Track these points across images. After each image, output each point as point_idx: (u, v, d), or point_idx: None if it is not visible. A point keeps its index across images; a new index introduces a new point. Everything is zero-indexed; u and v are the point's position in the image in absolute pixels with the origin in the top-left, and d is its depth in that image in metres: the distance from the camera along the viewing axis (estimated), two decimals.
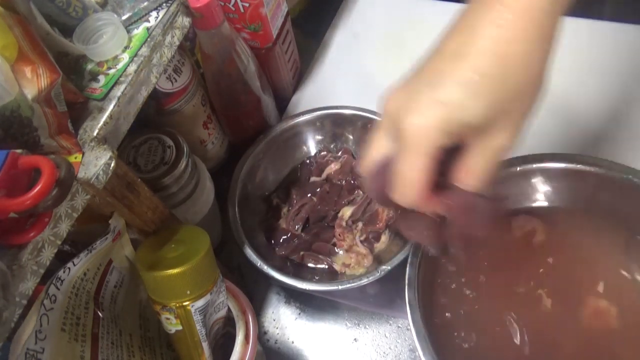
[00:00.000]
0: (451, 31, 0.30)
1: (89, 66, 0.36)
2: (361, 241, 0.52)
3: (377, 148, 0.32)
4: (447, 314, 0.42)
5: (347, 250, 0.52)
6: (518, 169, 0.44)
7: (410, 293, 0.39)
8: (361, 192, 0.55)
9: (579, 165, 0.43)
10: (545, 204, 0.45)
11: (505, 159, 0.30)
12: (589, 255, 0.42)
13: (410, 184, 0.29)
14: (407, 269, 0.40)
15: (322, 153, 0.59)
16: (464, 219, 0.32)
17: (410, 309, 0.38)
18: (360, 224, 0.53)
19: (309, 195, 0.55)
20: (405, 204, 0.31)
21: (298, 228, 0.54)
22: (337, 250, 0.52)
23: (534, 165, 0.44)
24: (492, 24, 0.27)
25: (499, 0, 0.27)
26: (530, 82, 0.28)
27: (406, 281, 0.40)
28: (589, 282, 0.41)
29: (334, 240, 0.53)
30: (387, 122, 0.31)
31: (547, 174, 0.44)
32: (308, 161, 0.59)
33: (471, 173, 0.30)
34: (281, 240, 0.53)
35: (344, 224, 0.53)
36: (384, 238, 0.52)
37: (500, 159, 0.30)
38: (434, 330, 0.39)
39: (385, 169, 0.32)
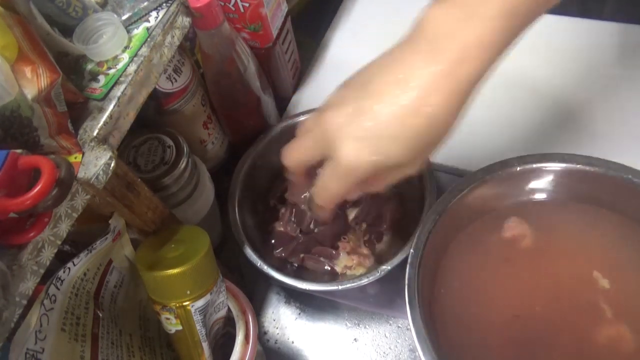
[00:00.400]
0: (388, 61, 0.32)
1: (89, 66, 0.36)
2: (364, 241, 0.52)
3: (305, 151, 0.35)
4: (447, 314, 0.42)
5: (349, 253, 0.52)
6: (518, 169, 0.44)
7: (410, 293, 0.39)
8: (365, 194, 0.55)
9: (577, 165, 0.43)
10: (541, 200, 0.45)
11: None
12: (582, 250, 0.42)
13: (333, 196, 0.35)
14: (407, 268, 0.40)
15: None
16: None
17: (410, 309, 0.38)
18: (364, 225, 0.53)
19: (302, 196, 0.55)
20: (323, 206, 0.36)
21: (295, 230, 0.54)
22: (338, 253, 0.52)
23: (534, 165, 0.44)
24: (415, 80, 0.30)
25: (421, 59, 0.30)
26: (447, 130, 0.31)
27: (406, 281, 0.40)
28: (585, 275, 0.41)
29: (337, 244, 0.53)
30: (320, 134, 0.33)
31: (545, 174, 0.44)
32: None
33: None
34: (279, 243, 0.53)
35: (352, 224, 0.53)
36: (386, 238, 0.52)
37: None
38: (434, 330, 0.39)
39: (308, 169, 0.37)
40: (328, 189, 0.34)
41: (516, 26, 0.29)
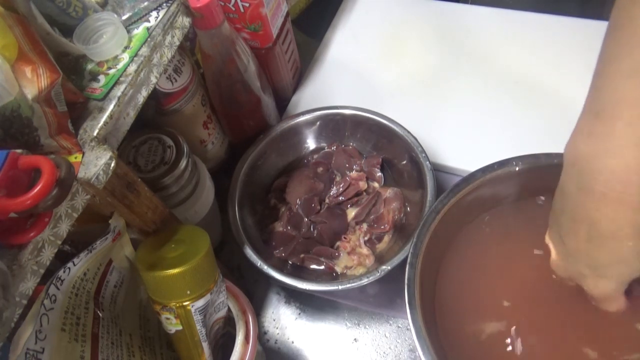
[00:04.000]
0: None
1: (89, 66, 0.36)
2: (364, 242, 0.52)
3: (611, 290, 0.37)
4: (447, 314, 0.42)
5: (349, 253, 0.52)
6: (517, 168, 0.44)
7: (410, 293, 0.39)
8: (366, 194, 0.55)
9: None
10: (541, 201, 0.45)
11: None
12: None
13: (616, 308, 0.38)
14: (407, 269, 0.40)
15: (317, 155, 0.59)
16: None
17: (410, 310, 0.38)
18: (365, 225, 0.53)
19: (298, 200, 0.55)
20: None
21: (294, 230, 0.54)
22: (339, 253, 0.52)
23: (534, 165, 0.44)
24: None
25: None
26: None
27: (406, 281, 0.40)
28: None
29: (337, 243, 0.53)
30: (566, 279, 0.39)
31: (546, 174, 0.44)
32: (305, 161, 0.59)
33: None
34: (279, 243, 0.53)
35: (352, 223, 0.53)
36: (386, 238, 0.53)
37: None
38: (433, 330, 0.39)
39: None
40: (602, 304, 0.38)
41: None
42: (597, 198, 0.31)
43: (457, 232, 0.45)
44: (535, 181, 0.44)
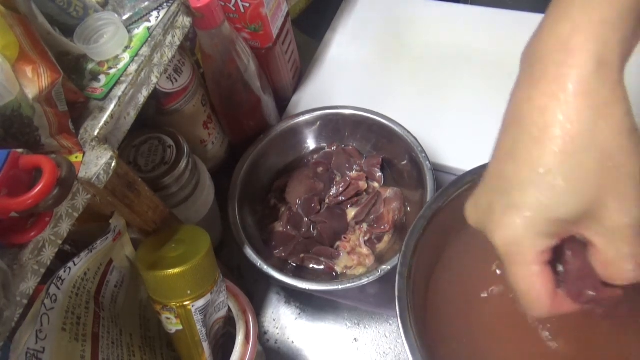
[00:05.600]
0: (503, 127, 0.29)
1: (90, 66, 0.36)
2: (364, 241, 0.52)
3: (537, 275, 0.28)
4: (441, 322, 0.41)
5: (349, 253, 0.52)
6: None
7: (402, 305, 0.37)
8: (366, 194, 0.55)
9: None
10: None
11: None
12: None
13: (529, 296, 0.27)
14: (397, 279, 0.39)
15: (317, 155, 0.59)
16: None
17: (403, 324, 0.37)
18: (365, 225, 0.54)
19: (298, 200, 0.55)
20: (542, 315, 0.28)
21: (294, 230, 0.54)
22: (339, 253, 0.52)
23: None
24: (542, 111, 0.26)
25: (540, 86, 0.26)
26: (615, 148, 0.25)
27: (396, 293, 0.38)
28: None
29: (337, 243, 0.53)
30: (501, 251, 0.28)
31: None
32: (306, 161, 0.59)
33: (610, 266, 0.27)
34: (279, 243, 0.53)
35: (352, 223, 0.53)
36: (386, 238, 0.53)
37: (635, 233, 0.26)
38: (428, 341, 0.37)
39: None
40: (520, 291, 0.28)
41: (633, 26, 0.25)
42: (535, 81, 0.26)
43: (450, 237, 0.43)
44: None
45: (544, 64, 0.26)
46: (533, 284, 0.27)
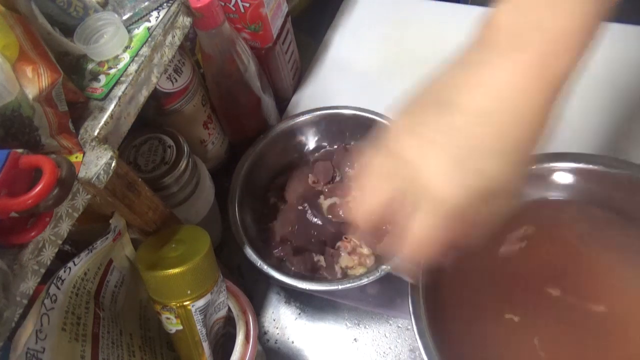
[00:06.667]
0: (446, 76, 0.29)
1: (90, 66, 0.36)
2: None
3: (379, 197, 0.29)
4: (453, 322, 0.41)
5: (350, 253, 0.52)
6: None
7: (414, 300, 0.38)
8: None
9: (589, 165, 0.43)
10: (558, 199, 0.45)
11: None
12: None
13: (428, 242, 0.28)
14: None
15: (318, 153, 0.59)
16: None
17: (415, 319, 0.38)
18: None
19: (297, 199, 0.55)
20: (417, 258, 0.29)
21: (294, 229, 0.54)
22: (339, 253, 0.52)
23: (544, 165, 0.44)
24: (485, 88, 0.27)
25: (489, 63, 0.27)
26: (539, 134, 0.27)
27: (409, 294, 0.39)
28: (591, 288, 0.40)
29: (337, 243, 0.53)
30: (395, 170, 0.28)
31: (557, 173, 0.44)
32: (305, 159, 0.59)
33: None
34: (279, 242, 0.53)
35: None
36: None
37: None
38: (439, 337, 0.38)
39: (383, 213, 0.30)
40: (420, 239, 0.28)
41: (602, 10, 0.26)
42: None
43: None
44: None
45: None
46: (439, 232, 0.28)
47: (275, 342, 0.53)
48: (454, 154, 0.26)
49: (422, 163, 0.27)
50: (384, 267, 0.45)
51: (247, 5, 0.52)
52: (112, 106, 0.34)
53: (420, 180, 0.27)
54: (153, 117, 0.49)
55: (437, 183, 0.26)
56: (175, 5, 0.40)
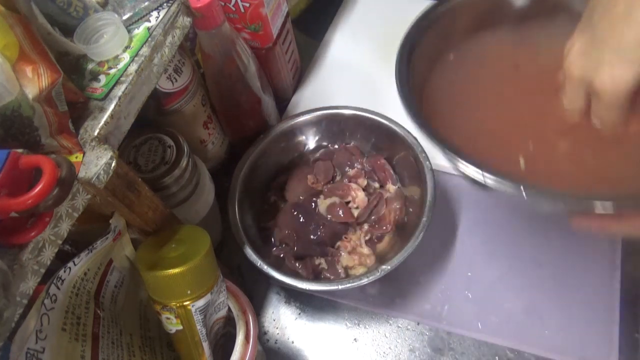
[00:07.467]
0: None
1: (90, 66, 0.36)
2: (365, 241, 0.52)
3: (571, 103, 0.37)
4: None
5: (350, 252, 0.52)
6: None
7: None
8: (365, 192, 0.55)
9: None
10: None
11: None
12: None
13: (613, 122, 0.35)
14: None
15: (318, 153, 0.59)
16: None
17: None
18: (366, 226, 0.53)
19: (298, 198, 0.55)
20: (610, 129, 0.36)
21: (295, 229, 0.54)
22: (340, 253, 0.52)
23: None
24: None
25: None
26: None
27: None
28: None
29: (338, 243, 0.53)
30: (574, 86, 0.36)
31: None
32: (305, 159, 0.59)
33: None
34: (279, 242, 0.53)
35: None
36: (387, 238, 0.53)
37: None
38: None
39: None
40: (605, 120, 0.36)
41: None
42: None
43: (439, 58, 0.46)
44: None
45: None
46: (618, 112, 0.35)
47: (275, 342, 0.53)
48: (614, 52, 0.33)
49: (589, 70, 0.34)
50: (384, 267, 0.45)
51: (247, 5, 0.52)
52: (112, 106, 0.34)
53: (592, 82, 0.34)
54: (153, 117, 0.49)
55: (603, 82, 0.34)
56: (175, 5, 0.40)
